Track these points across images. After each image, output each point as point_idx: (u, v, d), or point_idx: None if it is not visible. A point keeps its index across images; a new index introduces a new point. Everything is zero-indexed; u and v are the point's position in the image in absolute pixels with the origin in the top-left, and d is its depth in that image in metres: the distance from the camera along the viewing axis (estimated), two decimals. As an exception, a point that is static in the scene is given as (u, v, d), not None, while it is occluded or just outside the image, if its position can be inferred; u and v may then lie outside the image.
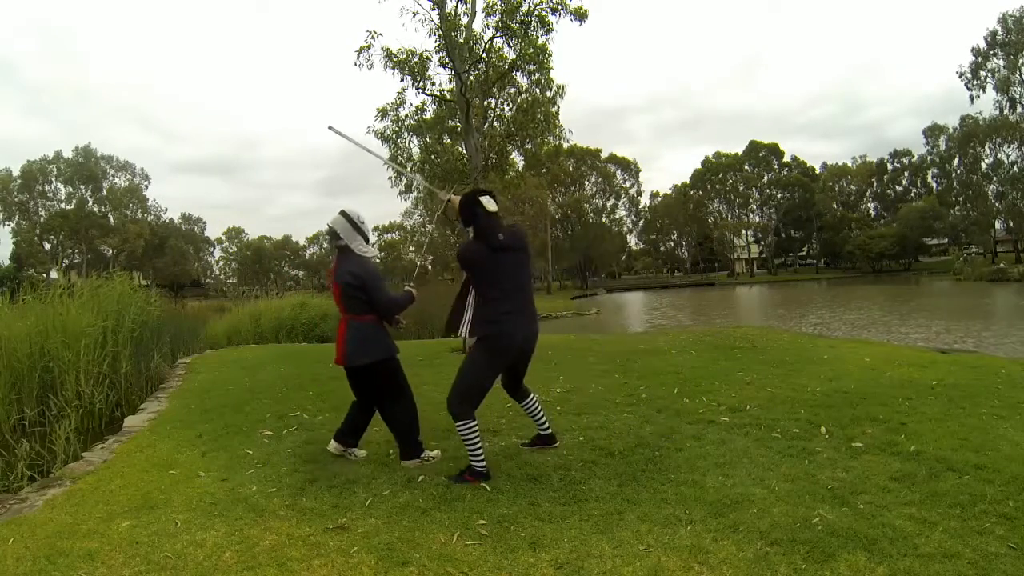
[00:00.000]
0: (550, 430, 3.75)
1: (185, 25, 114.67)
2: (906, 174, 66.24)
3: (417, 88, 8.99)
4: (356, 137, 4.11)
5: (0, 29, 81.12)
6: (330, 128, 3.94)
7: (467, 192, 3.48)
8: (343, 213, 3.56)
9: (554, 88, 9.25)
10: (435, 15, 8.68)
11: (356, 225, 3.55)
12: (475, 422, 3.24)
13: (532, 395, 3.70)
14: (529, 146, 10.10)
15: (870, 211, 69.48)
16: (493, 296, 3.29)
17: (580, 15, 8.57)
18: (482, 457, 3.25)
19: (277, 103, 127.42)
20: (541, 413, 3.71)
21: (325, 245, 78.37)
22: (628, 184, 68.46)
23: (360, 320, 3.52)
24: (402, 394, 3.63)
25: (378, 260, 3.60)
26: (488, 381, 3.33)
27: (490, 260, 3.28)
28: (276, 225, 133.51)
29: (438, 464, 3.55)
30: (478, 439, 3.24)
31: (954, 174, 54.86)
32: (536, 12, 8.52)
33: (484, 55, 8.88)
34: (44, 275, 46.14)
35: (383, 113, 9.55)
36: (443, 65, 8.76)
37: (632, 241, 77.16)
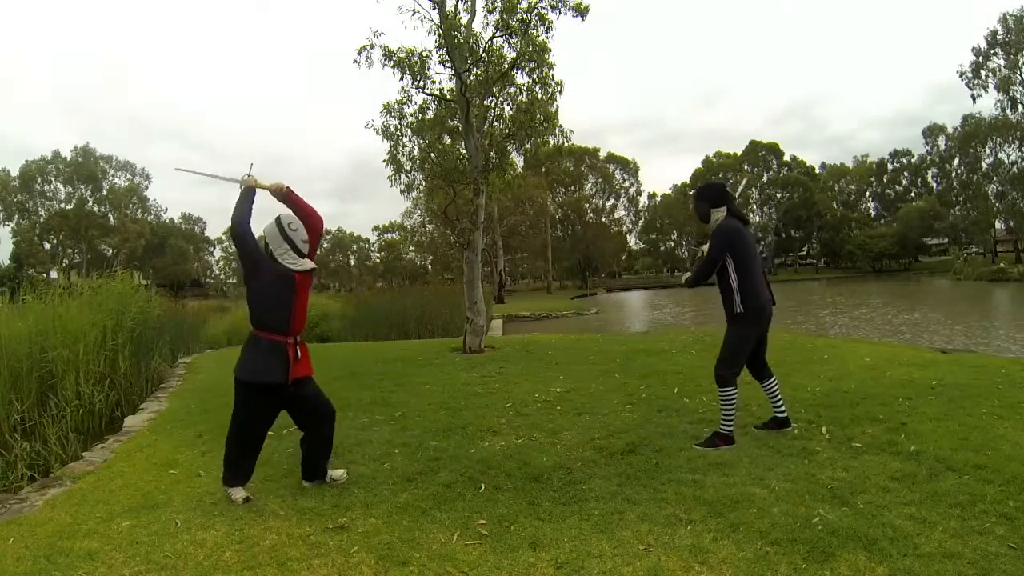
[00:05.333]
0: (786, 414, 3.87)
1: (214, 48, 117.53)
2: (906, 174, 66.23)
3: (417, 88, 8.99)
4: (210, 169, 3.97)
5: (70, 66, 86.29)
6: (178, 169, 3.97)
7: (716, 181, 3.76)
8: (277, 219, 3.16)
9: (553, 85, 9.23)
10: (435, 14, 8.67)
11: (284, 232, 3.12)
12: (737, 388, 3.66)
13: (774, 376, 3.85)
14: (529, 146, 10.08)
15: (870, 211, 69.45)
16: (753, 271, 3.62)
17: (581, 10, 8.55)
18: (732, 423, 3.63)
19: (295, 120, 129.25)
20: (779, 395, 3.87)
21: (326, 245, 78.59)
22: (628, 184, 68.54)
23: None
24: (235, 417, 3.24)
25: (314, 269, 3.19)
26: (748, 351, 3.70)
27: (750, 238, 3.70)
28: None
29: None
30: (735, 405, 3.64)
31: (954, 174, 54.85)
32: (536, 10, 8.51)
33: (484, 55, 8.87)
34: (44, 275, 46.13)
35: (388, 110, 9.55)
36: (443, 64, 8.75)
37: (632, 241, 77.12)
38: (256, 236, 3.19)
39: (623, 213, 70.77)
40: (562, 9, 8.53)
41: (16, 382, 5.79)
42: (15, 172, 52.77)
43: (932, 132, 58.28)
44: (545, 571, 2.27)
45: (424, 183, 11.09)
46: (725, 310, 3.69)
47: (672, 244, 78.23)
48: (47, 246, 54.15)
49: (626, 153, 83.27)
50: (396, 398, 5.49)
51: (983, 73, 44.17)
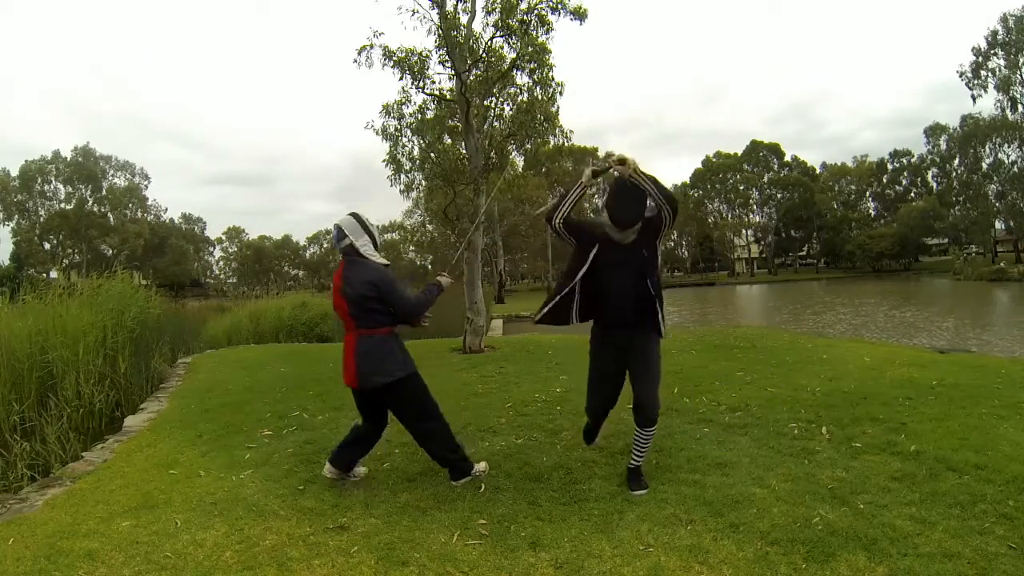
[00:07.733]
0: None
1: (216, 49, 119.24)
2: (906, 174, 66.22)
3: (417, 88, 9.00)
4: None
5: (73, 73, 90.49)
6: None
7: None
8: (353, 214, 3.23)
9: (553, 86, 9.23)
10: (435, 14, 8.67)
11: (365, 225, 3.20)
12: None
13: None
14: (528, 146, 10.09)
15: (870, 211, 69.41)
16: None
17: (579, 14, 8.55)
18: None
19: (296, 120, 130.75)
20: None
21: (325, 244, 78.58)
22: (627, 184, 68.55)
23: (373, 334, 3.11)
24: (431, 413, 3.27)
25: (388, 266, 3.25)
26: None
27: None
28: (294, 228, 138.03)
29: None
30: None
31: (954, 174, 54.86)
32: (536, 11, 8.51)
33: (484, 55, 8.87)
34: (44, 275, 46.13)
35: (387, 111, 9.55)
36: (443, 64, 8.75)
37: (632, 241, 77.08)
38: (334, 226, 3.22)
39: (623, 213, 70.70)
40: (561, 11, 8.54)
41: (16, 382, 5.78)
42: (15, 172, 52.87)
43: (935, 131, 58.25)
44: (545, 571, 2.27)
45: (424, 183, 11.09)
46: (652, 327, 3.10)
47: (672, 244, 78.28)
48: (47, 246, 54.17)
49: (625, 153, 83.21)
50: (396, 398, 5.48)
51: (983, 73, 44.15)
